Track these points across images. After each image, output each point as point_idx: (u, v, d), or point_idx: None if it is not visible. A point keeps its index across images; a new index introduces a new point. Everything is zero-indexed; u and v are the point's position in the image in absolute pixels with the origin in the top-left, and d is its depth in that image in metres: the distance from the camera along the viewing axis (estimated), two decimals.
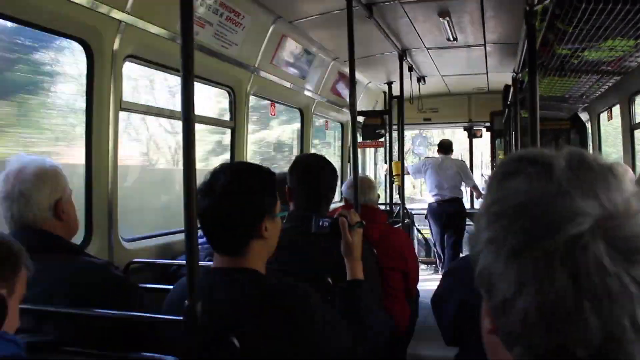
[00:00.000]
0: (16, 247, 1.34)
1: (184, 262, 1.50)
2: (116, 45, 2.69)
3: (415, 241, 7.76)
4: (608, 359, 0.52)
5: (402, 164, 5.82)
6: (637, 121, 4.73)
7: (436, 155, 7.40)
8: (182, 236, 1.52)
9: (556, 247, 0.53)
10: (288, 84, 4.84)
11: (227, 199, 1.58)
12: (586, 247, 0.52)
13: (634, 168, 4.59)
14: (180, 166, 1.48)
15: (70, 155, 2.95)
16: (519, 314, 0.55)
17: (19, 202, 1.75)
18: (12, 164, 1.80)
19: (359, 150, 7.44)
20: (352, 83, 3.12)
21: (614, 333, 0.51)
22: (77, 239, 2.29)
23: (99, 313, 1.64)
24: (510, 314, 0.56)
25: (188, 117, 1.49)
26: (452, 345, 2.27)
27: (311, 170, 2.43)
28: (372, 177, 7.20)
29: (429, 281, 6.06)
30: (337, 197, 6.82)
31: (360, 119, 7.23)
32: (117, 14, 2.62)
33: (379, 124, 7.42)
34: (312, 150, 5.92)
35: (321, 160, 2.53)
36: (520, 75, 4.70)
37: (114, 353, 1.66)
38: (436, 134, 11.57)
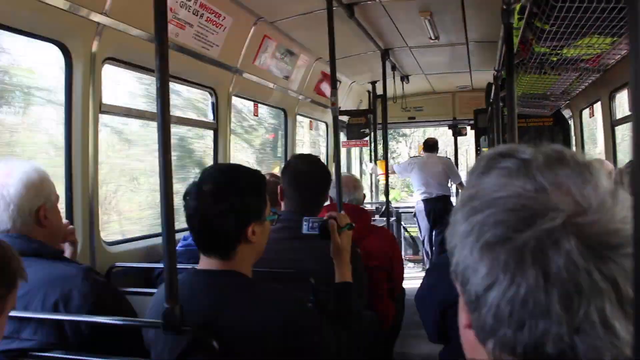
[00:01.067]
0: (14, 265, 1.32)
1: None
2: (95, 48, 2.67)
3: (402, 239, 7.78)
4: (578, 354, 0.52)
5: (387, 162, 5.84)
6: (617, 117, 4.78)
7: (422, 153, 7.43)
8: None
9: (528, 242, 0.53)
10: (271, 85, 4.83)
11: (215, 201, 1.57)
12: (557, 242, 0.52)
13: (615, 164, 4.63)
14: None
15: None
16: (491, 308, 0.55)
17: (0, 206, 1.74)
18: None
19: (344, 149, 7.45)
20: (333, 83, 3.12)
21: (583, 329, 0.52)
22: None
23: (79, 318, 1.63)
24: (483, 307, 0.56)
25: (164, 118, 1.48)
26: (436, 343, 2.29)
27: (303, 172, 2.43)
28: (357, 176, 7.22)
29: (415, 279, 6.07)
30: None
31: (345, 118, 7.24)
32: (95, 17, 2.60)
33: (363, 123, 7.43)
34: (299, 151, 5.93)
35: (313, 162, 2.53)
36: (501, 73, 4.72)
37: (95, 358, 1.65)
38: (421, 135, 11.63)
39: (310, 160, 2.57)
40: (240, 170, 1.72)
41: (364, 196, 3.77)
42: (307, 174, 2.45)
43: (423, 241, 7.28)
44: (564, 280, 0.52)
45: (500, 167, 0.60)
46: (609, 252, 0.52)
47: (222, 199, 1.57)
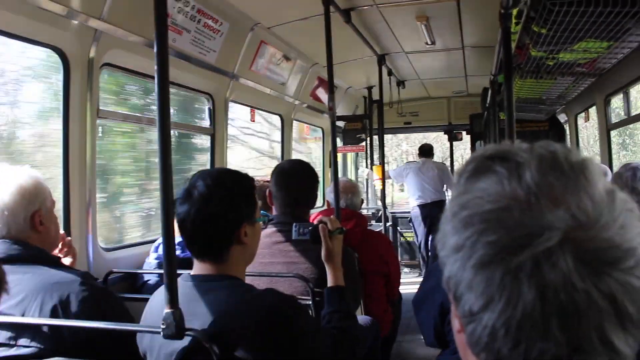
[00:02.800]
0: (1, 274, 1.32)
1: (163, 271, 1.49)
2: (92, 54, 2.67)
3: (398, 244, 7.78)
4: None
5: (383, 168, 5.84)
6: (613, 122, 4.80)
7: (417, 159, 7.45)
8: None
9: (524, 263, 0.52)
10: (268, 90, 4.83)
11: (206, 204, 1.57)
12: (554, 263, 0.51)
13: (610, 168, 4.65)
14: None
15: None
16: (486, 328, 0.54)
17: None
18: None
19: (340, 154, 7.46)
20: (330, 88, 3.13)
21: (582, 348, 0.51)
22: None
23: (77, 324, 1.62)
24: (478, 325, 0.55)
25: (164, 123, 1.48)
26: (433, 346, 2.29)
27: (287, 174, 2.46)
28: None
29: (412, 284, 6.07)
30: (319, 202, 6.85)
31: (341, 123, 7.25)
32: (93, 22, 2.60)
33: (359, 129, 7.44)
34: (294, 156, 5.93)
35: (298, 165, 2.56)
36: (497, 77, 4.74)
37: None
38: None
39: (295, 161, 2.62)
40: (228, 173, 1.73)
41: (362, 201, 3.77)
42: (291, 172, 2.49)
43: (420, 246, 7.28)
44: (561, 302, 0.51)
45: (492, 172, 0.58)
46: (607, 269, 0.51)
47: (213, 202, 1.58)
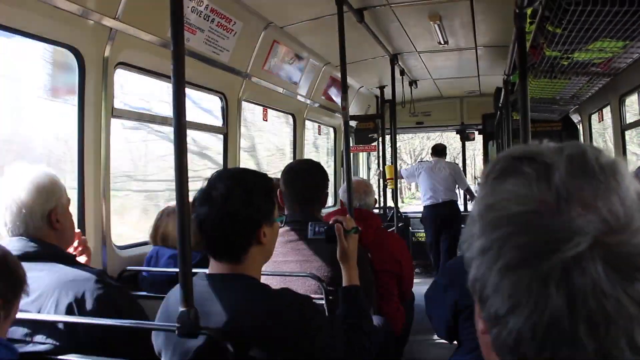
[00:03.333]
0: (21, 272, 1.33)
1: (177, 269, 1.50)
2: (107, 53, 2.69)
3: (410, 245, 7.76)
4: None
5: (395, 168, 5.83)
6: (627, 122, 4.76)
7: (429, 158, 7.42)
8: None
9: (552, 268, 0.50)
10: (280, 90, 4.84)
11: (226, 206, 1.57)
12: (584, 269, 0.49)
13: None
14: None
15: None
16: (511, 332, 0.53)
17: (12, 210, 1.75)
18: (8, 172, 1.81)
19: (351, 154, 7.45)
20: (344, 87, 3.13)
21: (610, 355, 0.49)
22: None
23: (93, 322, 1.63)
24: (503, 329, 0.54)
25: (179, 123, 1.49)
26: (445, 339, 2.31)
27: (295, 173, 2.48)
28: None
29: (424, 284, 6.05)
30: (331, 201, 6.86)
31: (353, 123, 7.24)
32: (108, 22, 2.62)
33: (371, 128, 7.43)
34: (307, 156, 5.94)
35: (307, 164, 2.58)
36: (510, 77, 4.71)
37: None
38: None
39: (304, 160, 2.64)
40: (247, 173, 1.73)
41: (375, 201, 3.76)
42: (299, 171, 2.51)
43: (429, 246, 7.25)
44: (590, 308, 0.49)
45: (520, 173, 0.57)
46: (637, 274, 0.50)
47: (233, 203, 1.58)
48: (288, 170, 2.52)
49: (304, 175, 2.48)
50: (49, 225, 1.80)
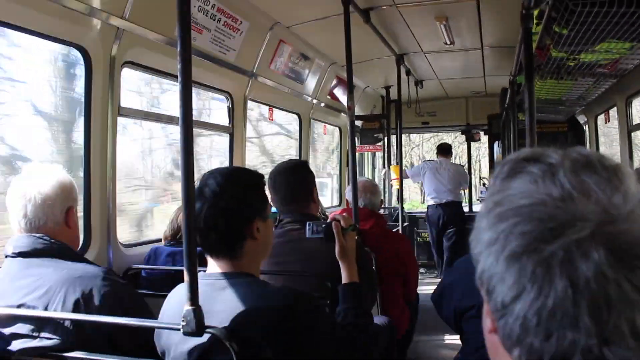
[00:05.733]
0: None
1: (182, 267, 1.51)
2: (114, 52, 2.70)
3: (415, 245, 7.76)
4: None
5: (401, 168, 5.82)
6: (634, 123, 4.74)
7: (435, 158, 7.42)
8: None
9: (556, 253, 0.52)
10: (286, 89, 4.85)
11: (217, 200, 1.59)
12: (586, 253, 0.51)
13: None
14: None
15: None
16: (517, 318, 0.55)
17: (35, 203, 1.77)
18: (30, 169, 1.86)
19: (357, 154, 7.46)
20: (349, 87, 3.13)
21: (612, 339, 0.51)
22: None
23: (99, 319, 1.64)
24: (510, 317, 0.56)
25: (186, 122, 1.49)
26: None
27: (276, 174, 2.51)
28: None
29: (429, 285, 6.06)
30: (336, 201, 6.86)
31: (359, 123, 7.24)
32: (115, 21, 2.63)
33: (377, 128, 7.43)
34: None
35: (290, 163, 2.59)
36: (516, 78, 4.71)
37: (113, 359, 1.66)
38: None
39: (286, 161, 2.65)
40: (238, 170, 1.78)
41: (382, 201, 3.76)
42: (279, 172, 2.53)
43: (433, 246, 7.25)
44: (592, 292, 0.51)
45: (526, 172, 0.59)
46: (638, 262, 0.51)
47: (224, 198, 1.60)
48: (271, 173, 2.55)
49: (284, 175, 2.50)
50: (65, 222, 1.83)
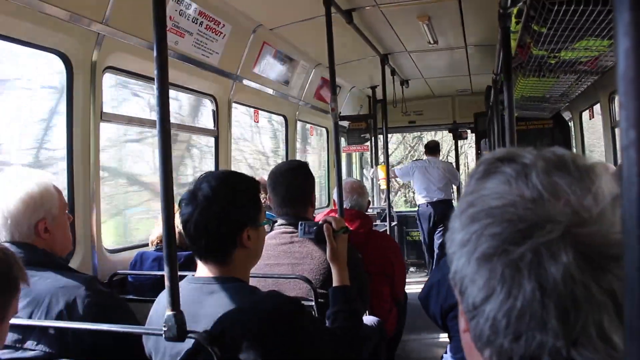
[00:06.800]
0: (16, 271, 1.31)
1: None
2: (95, 57, 2.69)
3: (405, 244, 7.77)
4: None
5: (388, 167, 5.84)
6: (618, 119, 4.77)
7: (424, 157, 7.45)
8: None
9: (525, 255, 0.53)
10: (271, 91, 4.84)
11: (209, 207, 1.58)
12: (555, 255, 0.52)
13: (616, 166, 4.63)
14: None
15: None
16: (487, 319, 0.55)
17: (2, 220, 1.75)
18: (2, 179, 1.81)
19: (345, 154, 7.47)
20: (332, 89, 3.13)
21: (580, 341, 0.51)
22: None
23: (81, 326, 1.63)
24: (480, 318, 0.56)
25: (164, 127, 1.49)
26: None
27: (278, 175, 2.49)
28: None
29: (418, 284, 6.08)
30: (324, 202, 6.86)
31: (345, 123, 7.25)
32: (95, 26, 2.61)
33: (364, 128, 7.44)
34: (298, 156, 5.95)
35: (292, 164, 2.59)
36: (500, 76, 4.74)
37: None
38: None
39: (289, 161, 2.63)
40: (234, 176, 1.73)
41: (369, 202, 3.76)
42: (282, 172, 2.51)
43: (423, 245, 7.28)
44: (560, 293, 0.51)
45: (500, 172, 0.60)
46: (607, 264, 0.52)
47: (216, 204, 1.58)
48: (272, 173, 2.53)
49: (287, 176, 2.48)
50: (37, 235, 1.80)
